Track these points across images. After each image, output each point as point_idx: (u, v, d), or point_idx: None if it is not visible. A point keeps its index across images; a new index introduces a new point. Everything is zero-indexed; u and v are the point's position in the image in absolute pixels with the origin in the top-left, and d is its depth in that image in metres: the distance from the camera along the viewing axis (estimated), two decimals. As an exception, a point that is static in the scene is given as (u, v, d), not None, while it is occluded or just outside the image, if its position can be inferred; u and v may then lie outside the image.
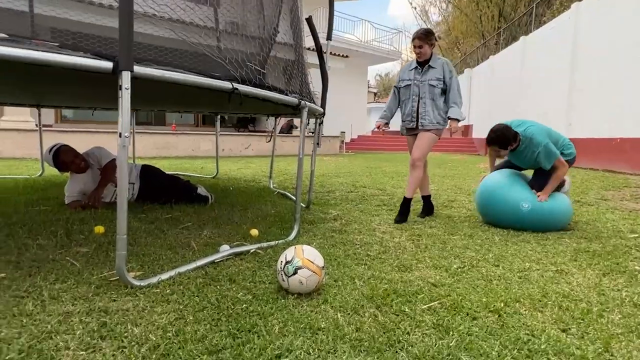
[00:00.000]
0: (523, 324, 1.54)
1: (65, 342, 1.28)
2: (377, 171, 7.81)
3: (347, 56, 16.46)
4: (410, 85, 3.45)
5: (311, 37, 3.66)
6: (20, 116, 8.94)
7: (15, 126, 8.75)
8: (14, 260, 2.01)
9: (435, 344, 1.36)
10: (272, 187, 5.13)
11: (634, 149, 7.38)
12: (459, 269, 2.18)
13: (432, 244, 2.66)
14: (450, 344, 1.37)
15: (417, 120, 3.41)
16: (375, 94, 41.50)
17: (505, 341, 1.40)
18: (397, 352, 1.31)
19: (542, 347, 1.37)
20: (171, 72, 1.74)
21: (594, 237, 2.92)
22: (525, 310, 1.67)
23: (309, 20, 3.54)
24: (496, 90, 14.66)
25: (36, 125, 8.39)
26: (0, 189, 4.18)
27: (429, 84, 3.33)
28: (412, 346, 1.35)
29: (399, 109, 3.67)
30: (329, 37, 3.90)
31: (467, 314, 1.61)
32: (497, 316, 1.60)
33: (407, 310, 1.63)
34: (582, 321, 1.59)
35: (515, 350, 1.34)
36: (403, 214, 3.39)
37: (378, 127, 3.64)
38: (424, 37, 3.30)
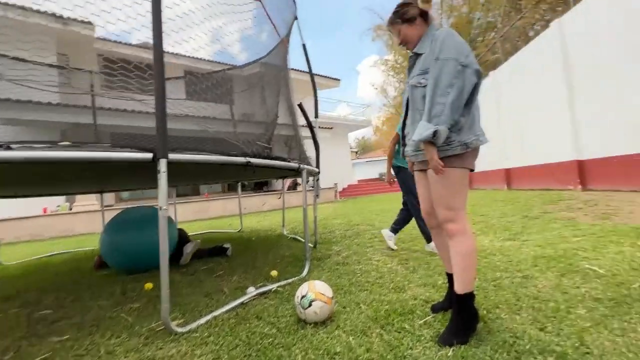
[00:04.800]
0: (506, 327, 1.41)
1: (118, 393, 1.14)
2: (365, 211, 7.69)
3: (331, 127, 16.98)
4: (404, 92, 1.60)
5: (303, 117, 3.76)
6: (87, 201, 8.95)
7: (84, 209, 8.72)
8: (78, 322, 1.86)
9: (436, 356, 1.22)
10: (285, 233, 5.00)
11: (559, 170, 7.37)
12: (444, 284, 2.04)
13: (418, 266, 2.52)
14: (449, 354, 1.22)
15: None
16: (356, 152, 42.74)
17: (494, 345, 1.26)
18: (404, 367, 1.17)
19: (527, 347, 1.23)
20: (198, 155, 1.73)
21: (546, 244, 2.79)
22: (505, 315, 1.53)
23: (300, 106, 3.66)
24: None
25: (99, 207, 8.39)
26: (73, 260, 4.04)
27: (411, 86, 1.49)
28: (416, 360, 1.20)
29: None
30: (316, 116, 4.01)
31: (458, 325, 1.46)
32: (482, 323, 1.46)
33: (407, 327, 1.48)
34: (554, 319, 1.45)
35: (505, 353, 1.20)
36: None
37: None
38: (393, 19, 1.53)
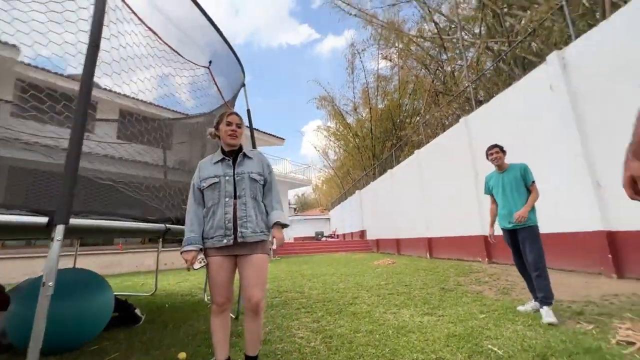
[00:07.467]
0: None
1: None
2: (296, 275, 7.44)
3: (271, 184, 17.04)
4: (218, 182, 1.88)
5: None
6: (-47, 247, 7.12)
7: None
8: None
9: None
10: (206, 299, 4.53)
11: (470, 244, 8.33)
12: (364, 369, 2.00)
13: (341, 345, 2.45)
14: None
15: (235, 231, 1.83)
16: (295, 209, 43.13)
17: None
18: None
19: None
20: (107, 222, 1.56)
21: (458, 321, 2.98)
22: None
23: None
24: (378, 205, 16.08)
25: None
26: None
27: (250, 178, 1.89)
28: None
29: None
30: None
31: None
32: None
33: None
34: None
35: None
36: None
37: (191, 264, 1.94)
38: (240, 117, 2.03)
